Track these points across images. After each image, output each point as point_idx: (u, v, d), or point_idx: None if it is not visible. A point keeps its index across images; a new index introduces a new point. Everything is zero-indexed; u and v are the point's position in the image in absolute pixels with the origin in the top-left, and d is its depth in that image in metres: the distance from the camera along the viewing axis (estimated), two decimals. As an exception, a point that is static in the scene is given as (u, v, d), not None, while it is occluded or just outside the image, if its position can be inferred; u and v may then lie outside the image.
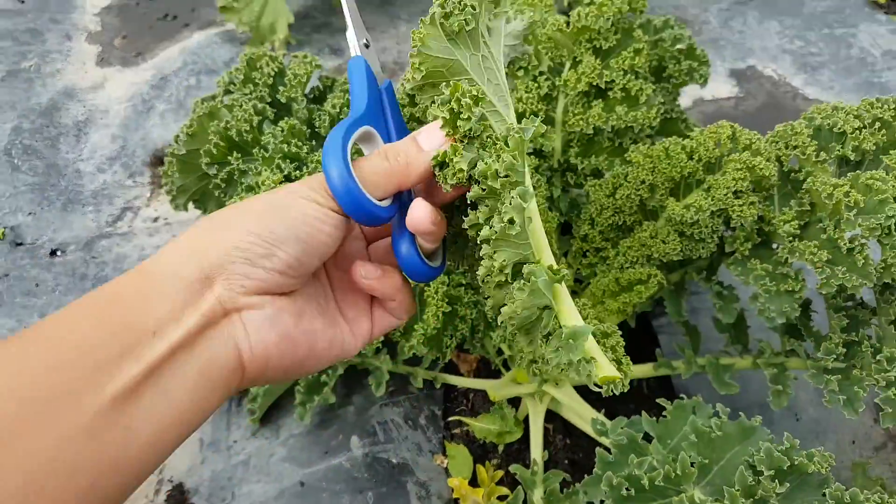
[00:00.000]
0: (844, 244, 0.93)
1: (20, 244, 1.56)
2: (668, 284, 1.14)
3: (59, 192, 1.69)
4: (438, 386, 1.26)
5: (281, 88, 1.16)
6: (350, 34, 0.62)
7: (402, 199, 0.56)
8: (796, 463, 0.86)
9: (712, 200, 0.98)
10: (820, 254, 0.95)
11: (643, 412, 1.00)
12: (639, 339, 1.38)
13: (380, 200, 0.52)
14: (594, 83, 1.08)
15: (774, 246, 1.06)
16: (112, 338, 0.41)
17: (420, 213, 0.51)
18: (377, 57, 0.63)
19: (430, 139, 0.53)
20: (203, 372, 0.44)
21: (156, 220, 1.63)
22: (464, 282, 1.09)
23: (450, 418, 1.27)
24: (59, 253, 1.55)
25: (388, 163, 0.52)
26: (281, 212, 0.49)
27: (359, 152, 0.59)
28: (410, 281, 0.60)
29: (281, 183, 0.96)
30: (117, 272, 1.52)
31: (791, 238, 1.00)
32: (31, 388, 0.38)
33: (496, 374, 1.30)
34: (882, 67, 2.11)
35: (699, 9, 2.34)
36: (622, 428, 0.99)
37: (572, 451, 1.25)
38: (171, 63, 2.05)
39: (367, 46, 0.62)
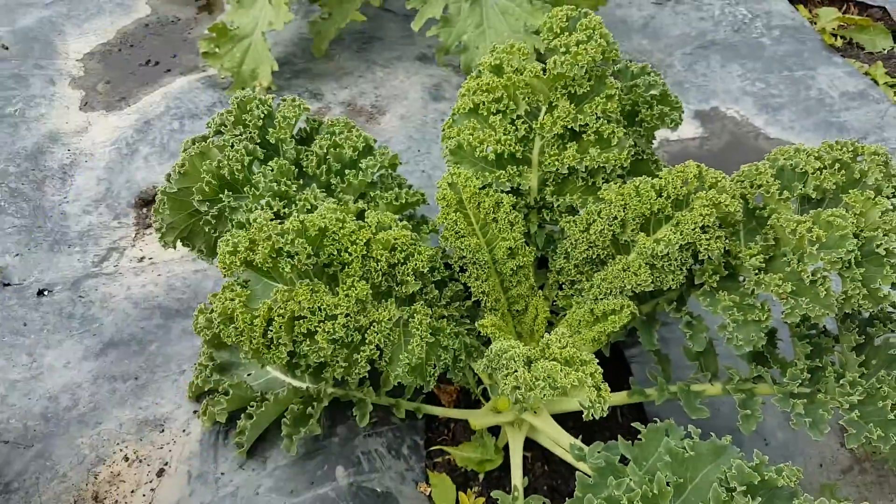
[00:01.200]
0: (807, 276, 1.00)
1: (7, 284, 1.58)
2: (640, 315, 1.19)
3: (45, 233, 1.71)
4: (420, 416, 1.29)
5: (270, 130, 1.21)
6: None
7: None
8: (766, 478, 0.90)
9: (681, 235, 1.04)
10: (784, 286, 1.01)
11: (619, 437, 1.04)
12: (613, 368, 1.43)
13: None
14: (569, 126, 1.15)
15: (741, 278, 1.12)
16: None
17: None
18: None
19: None
20: None
21: (141, 259, 1.66)
22: (446, 314, 1.14)
23: (432, 448, 1.30)
24: (46, 293, 1.58)
25: None
26: None
27: None
28: None
29: (272, 220, 1.00)
30: (104, 311, 1.54)
31: (757, 271, 1.06)
32: None
33: (476, 404, 1.34)
34: (840, 108, 2.22)
35: (664, 53, 2.45)
36: (599, 452, 1.04)
37: (551, 478, 1.29)
38: (154, 108, 2.10)
39: None
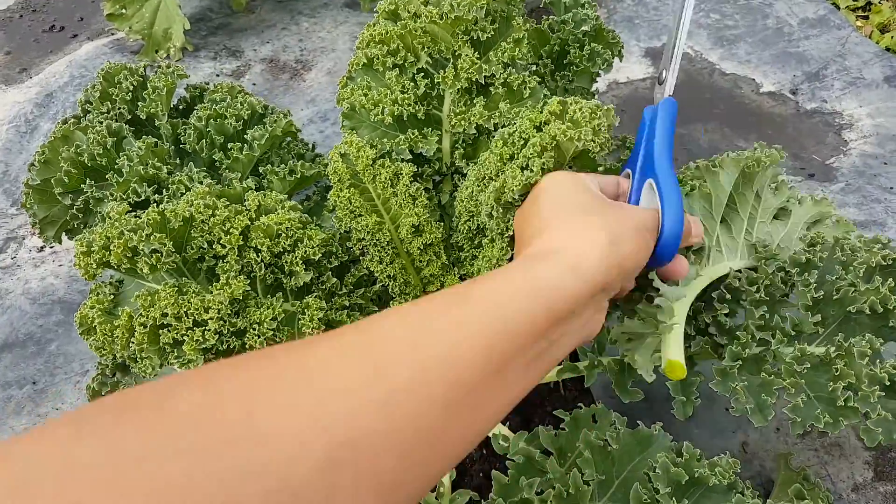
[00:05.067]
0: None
1: None
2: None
3: (-66, 225, 1.57)
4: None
5: (140, 104, 1.06)
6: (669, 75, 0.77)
7: None
8: (696, 475, 0.80)
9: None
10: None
11: (547, 422, 0.94)
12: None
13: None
14: (474, 78, 1.01)
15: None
16: (549, 312, 0.53)
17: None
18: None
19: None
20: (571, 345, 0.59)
21: (41, 249, 1.52)
22: (349, 303, 1.02)
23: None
24: (-67, 292, 1.44)
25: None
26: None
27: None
28: None
29: (128, 213, 0.87)
30: (-1, 310, 1.41)
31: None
32: (501, 349, 0.49)
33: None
34: (799, 36, 2.08)
35: (613, -13, 2.29)
36: (523, 444, 0.93)
37: (489, 463, 1.19)
38: (57, 78, 1.93)
39: (660, 83, 0.79)
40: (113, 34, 2.08)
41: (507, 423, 1.12)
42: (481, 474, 1.18)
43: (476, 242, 1.00)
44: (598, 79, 1.21)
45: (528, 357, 0.51)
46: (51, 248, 1.52)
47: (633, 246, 0.61)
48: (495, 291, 0.52)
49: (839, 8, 2.20)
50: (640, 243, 0.62)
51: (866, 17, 2.22)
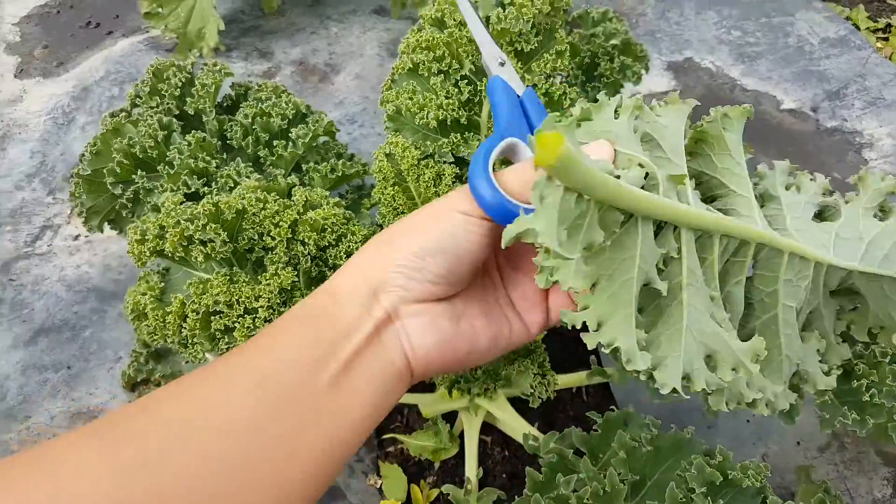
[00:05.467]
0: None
1: (-69, 269, 1.48)
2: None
3: (-28, 212, 1.60)
4: (371, 403, 1.21)
5: (189, 100, 1.10)
6: (485, 57, 0.73)
7: None
8: (730, 477, 0.83)
9: None
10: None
11: (574, 427, 0.96)
12: (575, 345, 1.35)
13: (528, 204, 0.51)
14: (516, 86, 1.04)
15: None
16: (318, 342, 0.52)
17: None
18: (512, 71, 0.73)
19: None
20: (382, 368, 0.53)
21: (77, 237, 1.55)
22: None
23: (384, 436, 1.22)
24: (-28, 277, 1.48)
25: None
26: (432, 225, 0.55)
27: (508, 162, 0.63)
28: None
29: (182, 204, 0.90)
30: (35, 295, 1.44)
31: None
32: (276, 379, 0.49)
33: (431, 388, 1.25)
34: (820, 55, 2.11)
35: (635, 1, 2.32)
36: (554, 443, 0.95)
37: (511, 464, 1.22)
38: (93, 73, 1.97)
39: (502, 65, 0.73)
40: (147, 32, 2.12)
41: (536, 424, 1.15)
42: (504, 475, 1.21)
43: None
44: (621, 90, 1.24)
45: (318, 384, 0.50)
46: (85, 237, 1.55)
47: (417, 234, 0.55)
48: (274, 326, 0.55)
49: (860, 29, 2.23)
50: (429, 225, 0.55)
51: (886, 39, 2.26)
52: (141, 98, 1.11)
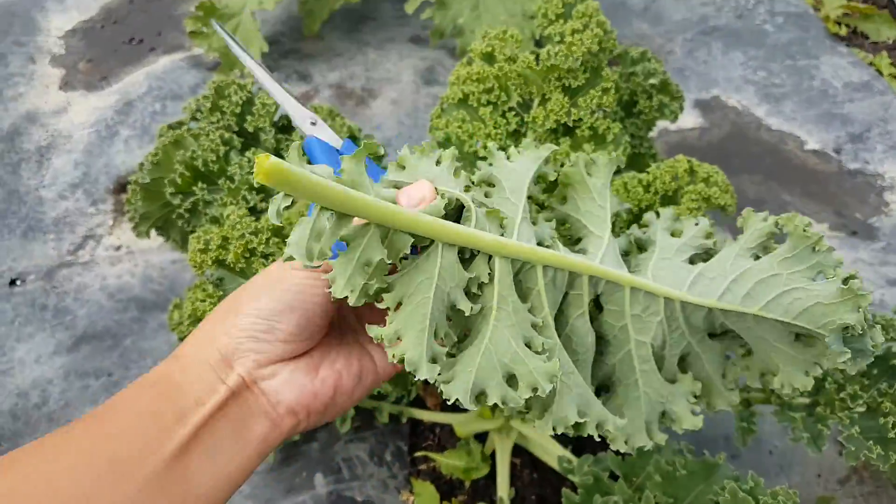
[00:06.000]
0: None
1: (-23, 273, 1.52)
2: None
3: (19, 219, 1.65)
4: (404, 420, 1.24)
5: (248, 118, 1.14)
6: (297, 120, 0.75)
7: None
8: (761, 502, 0.86)
9: None
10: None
11: (608, 449, 1.00)
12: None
13: None
14: (562, 121, 1.08)
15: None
16: (165, 410, 0.51)
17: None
18: (324, 128, 0.77)
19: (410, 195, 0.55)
20: (237, 432, 0.53)
21: (118, 248, 1.60)
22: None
23: (416, 454, 1.25)
24: (18, 282, 1.52)
25: None
26: (275, 285, 0.55)
27: None
28: None
29: (244, 217, 0.94)
30: (78, 303, 1.48)
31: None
32: (112, 450, 0.49)
33: (463, 407, 1.29)
34: (843, 99, 2.15)
35: (665, 38, 2.38)
36: (588, 466, 0.99)
37: (540, 487, 1.24)
38: (136, 88, 2.03)
39: (314, 125, 0.76)
40: (189, 49, 2.18)
41: (569, 447, 1.17)
42: (533, 497, 1.23)
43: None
44: (654, 127, 1.29)
45: (162, 453, 0.50)
46: (127, 248, 1.59)
47: (264, 297, 0.55)
48: (117, 396, 0.54)
49: (882, 74, 2.28)
50: (274, 286, 0.56)
51: (909, 86, 2.30)
52: (201, 113, 1.16)
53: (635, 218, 1.06)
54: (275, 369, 0.55)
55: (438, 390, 0.53)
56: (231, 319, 0.55)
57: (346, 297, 0.50)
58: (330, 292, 0.50)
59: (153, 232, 1.23)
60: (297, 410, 0.56)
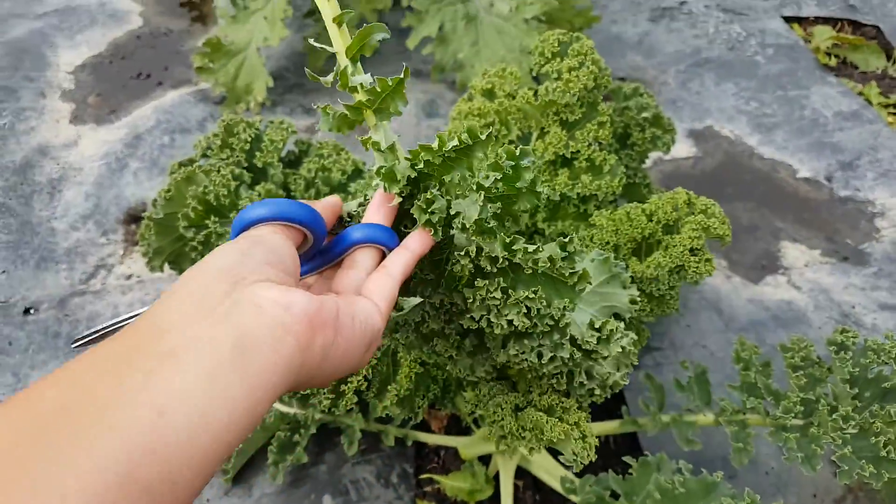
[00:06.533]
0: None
1: (-8, 303, 1.56)
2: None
3: (32, 249, 1.69)
4: (410, 443, 1.28)
5: (257, 154, 1.19)
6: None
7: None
8: (757, 519, 0.89)
9: (670, 258, 1.03)
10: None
11: (610, 469, 1.03)
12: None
13: None
14: (560, 153, 1.13)
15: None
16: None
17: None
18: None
19: None
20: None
21: (129, 277, 1.64)
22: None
23: (421, 476, 1.28)
24: (32, 311, 1.56)
25: None
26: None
27: None
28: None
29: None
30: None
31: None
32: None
33: (467, 431, 1.32)
34: (834, 128, 2.21)
35: (658, 70, 2.44)
36: (590, 486, 1.02)
37: (543, 507, 1.28)
38: (144, 121, 2.08)
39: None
40: (196, 84, 2.24)
41: (571, 468, 1.21)
42: (535, 516, 1.26)
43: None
44: (647, 158, 1.35)
45: None
46: (137, 277, 1.63)
47: None
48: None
49: (872, 104, 2.34)
50: None
51: (897, 114, 2.36)
52: (212, 150, 1.21)
53: (637, 245, 1.10)
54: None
55: None
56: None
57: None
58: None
59: (165, 266, 1.27)
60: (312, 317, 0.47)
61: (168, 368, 0.38)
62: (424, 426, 1.34)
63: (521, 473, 1.27)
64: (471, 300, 0.65)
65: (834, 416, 1.06)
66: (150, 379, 0.37)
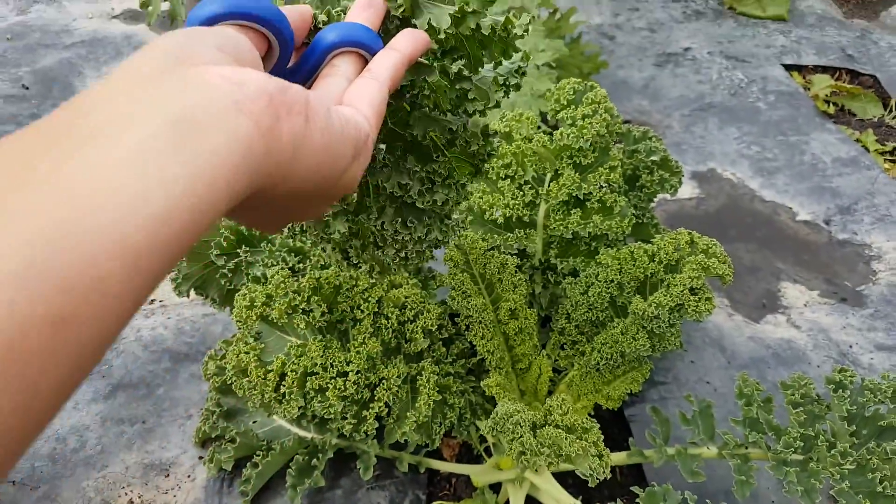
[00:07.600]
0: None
1: (19, 324, 1.61)
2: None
3: (57, 273, 1.75)
4: (423, 471, 1.32)
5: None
6: None
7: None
8: (758, 548, 0.94)
9: (671, 297, 1.09)
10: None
11: (617, 499, 1.08)
12: (612, 426, 1.46)
13: None
14: (573, 194, 1.20)
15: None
16: None
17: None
18: None
19: None
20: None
21: (152, 301, 1.69)
22: (452, 371, 1.17)
23: (434, 503, 1.33)
24: (56, 334, 1.61)
25: None
26: None
27: None
28: None
29: (288, 278, 1.04)
30: (114, 353, 1.57)
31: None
32: None
33: (478, 459, 1.36)
34: (832, 173, 2.28)
35: (663, 114, 2.52)
36: (598, 513, 1.07)
37: (549, 536, 1.31)
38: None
39: None
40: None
41: (580, 497, 1.25)
42: (542, 544, 1.30)
43: (586, 331, 1.17)
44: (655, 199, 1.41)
45: None
46: (160, 302, 1.69)
47: None
48: None
49: (869, 151, 2.41)
50: None
51: (894, 161, 2.43)
52: (242, 183, 1.27)
53: (641, 284, 1.16)
54: None
55: None
56: None
57: None
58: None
59: (191, 291, 1.33)
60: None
61: (90, 149, 0.30)
62: (437, 454, 1.39)
63: (531, 502, 1.31)
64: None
65: (832, 451, 1.11)
66: (68, 161, 0.29)
